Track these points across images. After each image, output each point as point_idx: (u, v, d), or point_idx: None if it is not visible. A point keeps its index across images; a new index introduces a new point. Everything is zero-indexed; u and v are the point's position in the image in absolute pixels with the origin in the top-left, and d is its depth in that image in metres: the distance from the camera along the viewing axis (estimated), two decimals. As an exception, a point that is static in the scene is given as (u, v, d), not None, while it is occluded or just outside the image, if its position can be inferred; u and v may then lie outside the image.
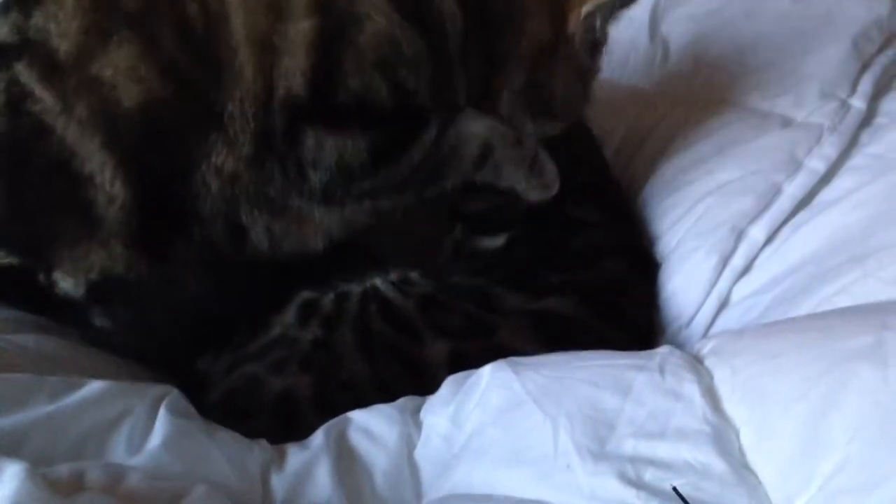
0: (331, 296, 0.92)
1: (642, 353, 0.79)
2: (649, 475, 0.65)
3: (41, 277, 0.86)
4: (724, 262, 0.96)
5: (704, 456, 0.65)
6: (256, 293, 0.93)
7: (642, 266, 1.05)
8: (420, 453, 0.77)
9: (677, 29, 1.31)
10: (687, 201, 1.05)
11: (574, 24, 0.93)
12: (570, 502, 0.65)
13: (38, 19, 0.83)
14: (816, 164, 0.99)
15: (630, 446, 0.66)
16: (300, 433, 0.82)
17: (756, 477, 0.63)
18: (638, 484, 0.64)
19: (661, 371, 0.72)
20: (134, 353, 0.90)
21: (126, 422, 0.74)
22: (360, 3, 0.84)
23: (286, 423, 0.85)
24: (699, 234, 1.00)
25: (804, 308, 0.85)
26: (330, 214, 0.90)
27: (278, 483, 0.74)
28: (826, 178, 0.98)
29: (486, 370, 0.78)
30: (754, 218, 0.97)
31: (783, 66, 1.14)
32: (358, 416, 0.81)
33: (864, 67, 1.09)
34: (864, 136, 1.01)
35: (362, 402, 0.83)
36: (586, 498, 0.64)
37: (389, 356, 0.89)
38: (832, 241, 0.90)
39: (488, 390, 0.77)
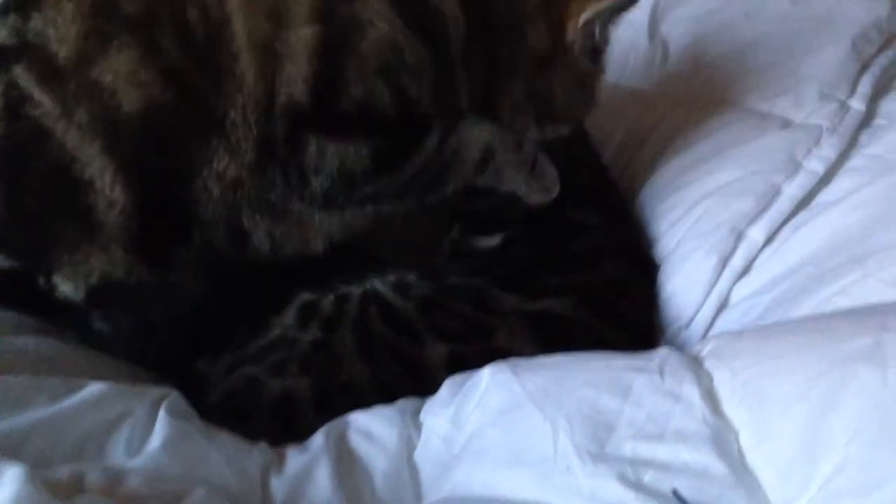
0: (331, 297, 0.93)
1: (642, 354, 0.79)
2: (649, 477, 0.65)
3: (41, 281, 0.86)
4: (724, 262, 0.96)
5: (704, 457, 0.65)
6: (256, 295, 0.93)
7: (641, 267, 1.05)
8: (420, 455, 0.77)
9: (677, 30, 1.31)
10: (686, 202, 1.05)
11: (572, 32, 0.93)
12: (570, 504, 0.65)
13: (36, 23, 0.83)
14: (815, 165, 0.99)
15: (629, 448, 0.67)
16: (300, 434, 0.82)
17: (755, 478, 0.63)
18: (637, 485, 0.64)
19: (661, 373, 0.72)
20: (133, 356, 0.90)
21: (125, 424, 0.75)
22: (362, 9, 0.84)
23: (286, 425, 0.85)
24: (699, 234, 1.00)
25: (804, 309, 0.85)
26: (330, 218, 0.91)
27: (278, 485, 0.74)
28: (825, 179, 0.98)
29: (486, 372, 0.78)
30: (754, 219, 0.97)
31: (782, 67, 1.14)
32: (357, 418, 0.81)
33: (864, 68, 1.09)
34: (864, 137, 1.01)
35: (362, 404, 0.83)
36: (586, 499, 0.64)
37: (389, 358, 0.89)
38: (831, 241, 0.90)
39: (488, 392, 0.77)
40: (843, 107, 1.04)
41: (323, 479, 0.74)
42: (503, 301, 0.95)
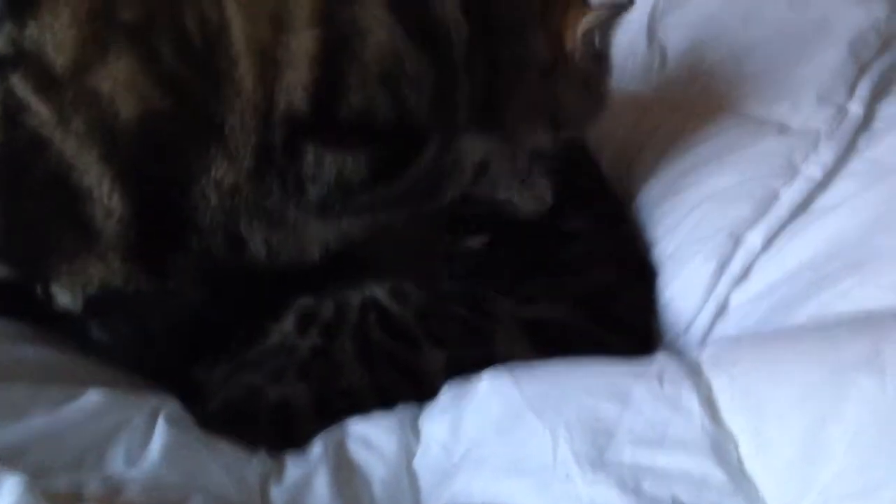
0: (330, 304, 0.92)
1: (641, 360, 0.79)
2: (648, 484, 0.65)
3: (39, 290, 0.86)
4: (722, 268, 0.96)
5: (703, 465, 0.65)
6: (254, 302, 0.92)
7: (637, 271, 1.05)
8: (419, 462, 0.77)
9: (675, 35, 1.31)
10: (684, 207, 1.05)
11: (572, 41, 0.94)
12: (570, 511, 0.65)
13: (33, 31, 0.82)
14: (814, 169, 0.99)
15: (629, 455, 0.67)
16: (299, 441, 0.82)
17: (754, 486, 0.64)
18: (637, 492, 0.64)
19: (660, 379, 0.73)
20: (132, 364, 0.90)
21: (124, 433, 0.74)
22: (363, 15, 0.84)
23: (285, 431, 0.85)
24: (697, 239, 1.00)
25: (803, 314, 0.84)
26: (326, 227, 0.90)
27: (277, 494, 0.74)
28: (823, 184, 0.98)
29: (485, 378, 0.79)
30: (752, 224, 0.97)
31: (780, 72, 1.15)
32: (356, 426, 0.81)
33: (862, 72, 1.09)
34: (862, 142, 1.01)
35: (361, 410, 0.83)
36: (585, 507, 0.64)
37: (388, 364, 0.88)
38: (830, 246, 0.90)
39: (487, 398, 0.77)
40: (842, 111, 1.04)
41: (322, 488, 0.74)
42: (498, 306, 0.95)
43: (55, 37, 0.82)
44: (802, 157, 1.00)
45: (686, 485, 0.64)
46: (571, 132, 1.01)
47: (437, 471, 0.75)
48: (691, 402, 0.69)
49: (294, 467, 0.78)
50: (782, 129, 1.07)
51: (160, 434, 0.74)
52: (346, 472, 0.76)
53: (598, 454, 0.67)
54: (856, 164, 0.98)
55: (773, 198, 0.98)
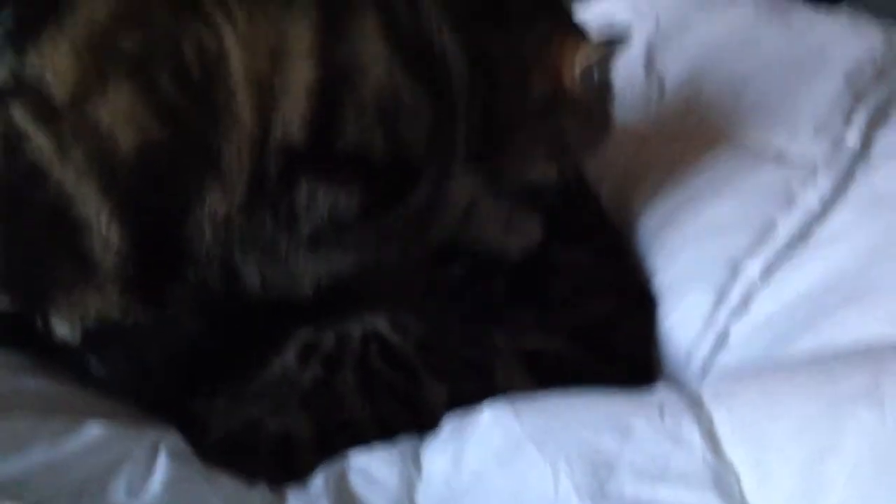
0: (331, 335, 0.92)
1: (641, 393, 0.79)
2: (650, 517, 0.65)
3: (38, 322, 0.86)
4: (721, 298, 0.96)
5: (705, 498, 0.65)
6: (252, 333, 0.92)
7: (637, 302, 1.05)
8: (420, 495, 0.76)
9: (673, 65, 1.32)
10: (683, 237, 1.05)
11: (570, 78, 0.94)
12: (571, 546, 0.65)
13: (33, 60, 0.82)
14: (811, 199, 1.00)
15: (630, 489, 0.67)
16: (300, 473, 0.82)
17: (756, 520, 0.64)
18: (638, 526, 0.64)
19: (661, 412, 0.72)
20: (130, 396, 0.90)
21: (125, 465, 0.74)
22: (362, 50, 0.85)
23: (286, 463, 0.85)
24: (695, 270, 1.01)
25: (803, 345, 0.85)
26: (318, 261, 0.91)
27: (279, 528, 0.74)
28: (821, 214, 0.98)
29: (486, 410, 0.78)
30: (750, 254, 0.98)
31: (777, 102, 1.15)
32: (357, 458, 0.81)
33: (858, 102, 1.10)
34: (860, 171, 1.02)
35: (362, 442, 0.83)
36: (587, 541, 0.65)
37: (390, 396, 0.88)
38: (828, 277, 0.91)
39: (488, 431, 0.77)
40: (838, 141, 1.05)
41: (323, 522, 0.74)
42: (496, 338, 0.95)
43: (55, 67, 0.82)
44: (800, 187, 1.01)
45: (688, 518, 0.64)
46: (576, 163, 1.01)
47: (438, 503, 0.75)
48: (692, 434, 0.69)
49: (295, 500, 0.78)
50: (780, 158, 1.07)
51: (161, 467, 0.74)
52: (347, 506, 0.76)
53: (599, 487, 0.67)
54: (853, 194, 0.99)
55: (771, 228, 0.99)
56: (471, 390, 0.87)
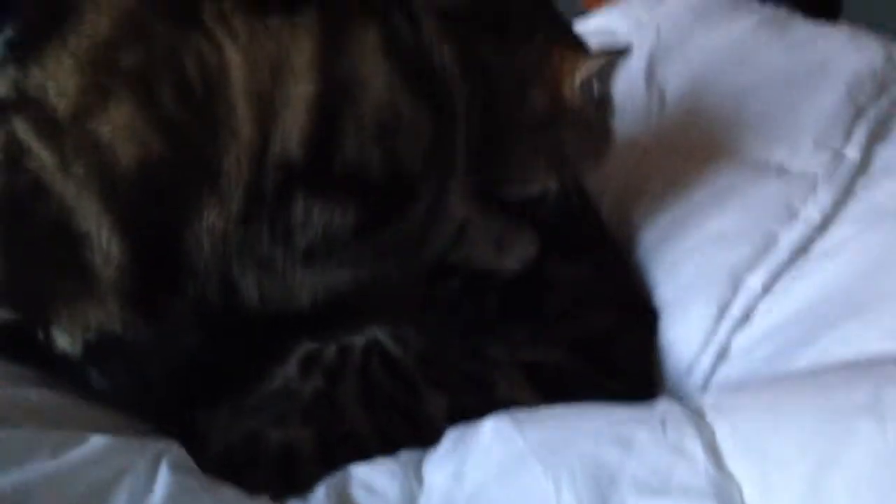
0: (333, 348, 0.92)
1: (643, 406, 0.79)
2: (652, 531, 0.65)
3: (40, 334, 0.86)
4: (723, 311, 0.96)
5: (707, 512, 0.65)
6: (252, 346, 0.92)
7: (636, 316, 1.05)
8: (422, 508, 0.77)
9: (673, 78, 1.32)
10: (684, 250, 1.06)
11: (570, 91, 0.95)
12: (573, 559, 0.65)
13: (36, 77, 0.82)
14: (812, 213, 1.00)
15: (633, 502, 0.66)
16: (302, 486, 0.82)
17: (759, 533, 0.64)
18: (641, 540, 0.64)
19: (663, 426, 0.73)
20: (131, 409, 0.90)
21: (127, 478, 0.74)
22: (363, 65, 0.85)
23: (287, 476, 0.85)
24: (697, 283, 1.01)
25: (804, 358, 0.85)
26: (312, 275, 0.91)
27: (280, 540, 0.74)
28: (822, 227, 0.99)
29: (488, 424, 0.78)
30: (752, 267, 0.98)
31: (778, 116, 1.16)
32: (359, 471, 0.81)
33: (859, 117, 1.10)
34: (860, 185, 1.02)
35: (364, 456, 0.83)
36: (589, 555, 0.64)
37: (391, 409, 0.89)
38: (829, 291, 0.91)
39: (489, 444, 0.77)
40: (838, 155, 1.06)
41: (325, 535, 0.74)
42: (496, 350, 0.96)
43: (58, 83, 0.82)
44: (801, 201, 1.01)
45: (691, 532, 0.64)
46: (576, 176, 1.01)
47: (440, 516, 0.75)
48: (694, 447, 0.69)
49: (296, 513, 0.78)
50: (781, 172, 1.08)
51: (163, 479, 0.74)
52: (349, 519, 0.76)
53: (601, 500, 0.67)
54: (854, 208, 0.99)
55: (772, 241, 0.99)
56: (472, 403, 0.87)
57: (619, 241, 1.15)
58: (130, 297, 0.84)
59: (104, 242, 0.83)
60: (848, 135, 1.08)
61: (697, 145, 1.19)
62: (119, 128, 0.82)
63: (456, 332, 0.98)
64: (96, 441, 0.76)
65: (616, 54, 0.97)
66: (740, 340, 0.95)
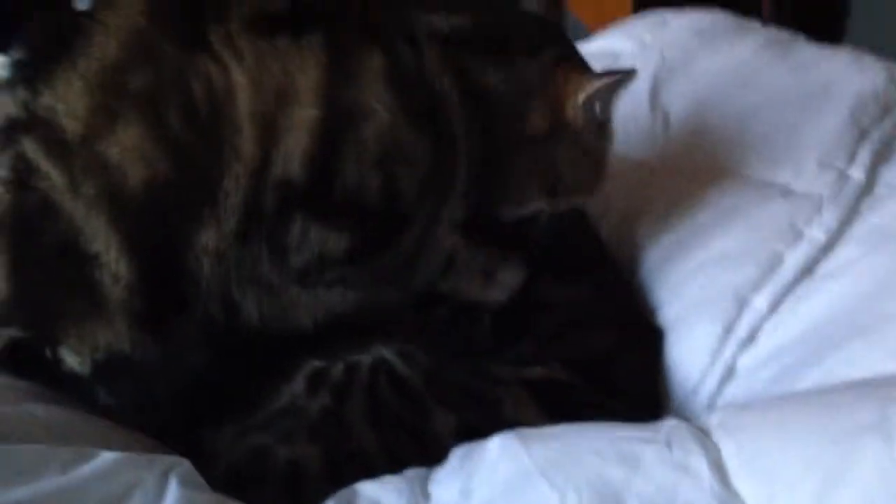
0: (340, 366, 0.93)
1: (649, 425, 0.79)
2: (658, 549, 0.65)
3: (48, 352, 0.86)
4: (728, 331, 0.97)
5: (713, 530, 0.65)
6: (258, 364, 0.93)
7: (637, 336, 1.05)
8: (429, 526, 0.77)
9: (677, 99, 1.33)
10: (688, 270, 1.06)
11: (572, 110, 0.95)
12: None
13: (46, 98, 0.84)
14: (817, 233, 1.00)
15: (639, 520, 0.67)
16: (309, 502, 0.82)
17: (765, 552, 0.64)
18: (647, 558, 0.64)
19: (669, 444, 0.73)
20: (139, 427, 0.90)
21: (137, 493, 0.74)
22: (366, 93, 0.86)
23: (295, 493, 0.85)
24: (702, 302, 1.01)
25: (810, 379, 0.85)
26: (308, 296, 0.91)
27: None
28: (827, 248, 0.99)
29: (495, 442, 0.79)
30: (757, 287, 0.98)
31: (781, 137, 1.16)
32: (366, 488, 0.81)
33: (863, 138, 1.11)
34: (865, 206, 1.02)
35: (371, 473, 0.83)
36: (596, 572, 0.65)
37: (398, 427, 0.89)
38: (835, 311, 0.91)
39: (496, 461, 0.77)
40: (843, 176, 1.06)
41: (332, 552, 0.74)
42: (501, 370, 0.96)
43: (68, 104, 0.83)
44: (806, 221, 1.02)
45: (696, 550, 0.64)
46: (570, 200, 1.02)
47: (446, 535, 0.75)
48: (700, 466, 0.70)
49: (304, 530, 0.78)
50: (785, 192, 1.08)
51: (172, 494, 0.74)
52: (356, 535, 0.76)
53: (607, 519, 0.67)
54: (859, 229, 1.00)
55: (778, 261, 0.99)
56: (478, 421, 0.88)
57: (622, 261, 1.16)
58: (138, 317, 0.85)
59: (112, 262, 0.83)
60: (852, 156, 1.08)
61: (702, 166, 1.19)
62: (127, 149, 0.83)
63: (448, 355, 0.98)
64: (106, 457, 0.76)
65: (620, 75, 0.97)
66: (746, 361, 0.95)
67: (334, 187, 0.86)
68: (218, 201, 0.84)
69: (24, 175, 0.84)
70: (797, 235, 1.01)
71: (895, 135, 1.11)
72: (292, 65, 0.85)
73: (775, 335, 0.94)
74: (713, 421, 0.76)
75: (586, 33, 1.72)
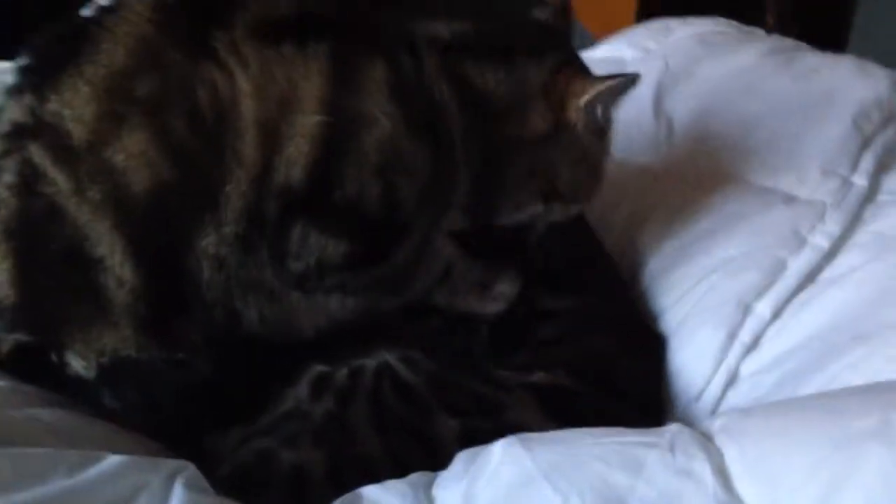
0: (344, 370, 0.93)
1: (652, 430, 0.79)
2: (661, 554, 0.65)
3: (54, 357, 0.87)
4: (732, 337, 0.97)
5: (717, 535, 0.65)
6: (262, 369, 0.93)
7: (638, 341, 1.06)
8: (433, 530, 0.77)
9: (681, 106, 1.33)
10: (692, 276, 1.06)
11: (574, 113, 0.95)
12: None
13: (53, 104, 0.84)
14: (820, 240, 1.00)
15: (642, 525, 0.67)
16: (313, 507, 0.83)
17: (768, 557, 0.64)
18: (650, 562, 0.64)
19: (672, 449, 0.73)
20: (144, 430, 0.91)
21: (143, 496, 0.74)
22: (369, 102, 0.86)
23: (299, 497, 0.85)
24: (705, 309, 1.01)
25: (813, 385, 0.85)
26: (308, 302, 0.92)
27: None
28: (830, 255, 0.99)
29: (498, 446, 0.79)
30: (760, 293, 0.98)
31: (785, 144, 1.17)
32: (370, 493, 0.81)
33: (865, 145, 1.11)
34: (867, 214, 1.03)
35: (375, 478, 0.83)
36: (599, 577, 0.65)
37: (402, 432, 0.89)
38: (837, 318, 0.91)
39: (500, 467, 0.77)
40: (846, 183, 1.06)
41: (336, 556, 0.74)
42: (504, 375, 0.96)
43: (74, 111, 0.84)
44: (809, 228, 1.02)
45: (699, 555, 0.64)
46: (567, 205, 1.02)
47: (450, 538, 0.75)
48: (703, 471, 0.70)
49: (308, 534, 0.78)
50: (788, 199, 1.08)
51: (177, 498, 0.74)
52: (359, 539, 0.76)
53: (611, 523, 0.68)
54: (861, 236, 1.00)
55: (781, 268, 1.00)
56: (482, 426, 0.88)
57: (625, 267, 1.16)
58: (143, 321, 0.86)
59: (117, 266, 0.84)
60: (855, 163, 1.09)
61: (705, 173, 1.20)
62: (133, 155, 0.83)
63: (447, 363, 0.98)
64: (112, 460, 0.76)
65: (623, 79, 0.97)
66: (749, 366, 0.95)
67: (335, 195, 0.87)
68: (219, 206, 0.85)
69: (30, 180, 0.85)
70: (800, 242, 1.01)
71: (898, 143, 1.12)
72: (296, 73, 0.85)
73: (778, 341, 0.94)
74: (716, 426, 0.76)
75: (592, 41, 1.72)
